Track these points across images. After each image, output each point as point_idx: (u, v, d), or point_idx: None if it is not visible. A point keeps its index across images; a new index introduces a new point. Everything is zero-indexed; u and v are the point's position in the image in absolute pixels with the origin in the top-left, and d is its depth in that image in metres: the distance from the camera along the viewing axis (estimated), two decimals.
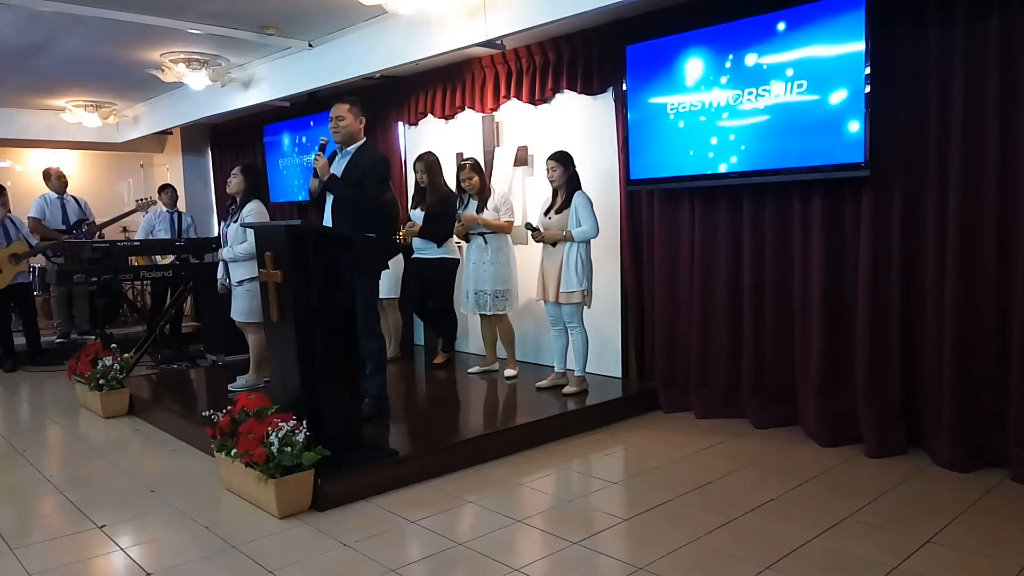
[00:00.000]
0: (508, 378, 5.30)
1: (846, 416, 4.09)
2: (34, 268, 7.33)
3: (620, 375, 5.25)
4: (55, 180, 7.67)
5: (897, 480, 3.60)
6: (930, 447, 3.84)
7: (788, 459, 3.97)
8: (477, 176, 5.27)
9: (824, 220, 4.15)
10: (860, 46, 3.76)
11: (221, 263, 5.28)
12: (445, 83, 6.13)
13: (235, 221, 5.00)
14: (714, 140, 4.39)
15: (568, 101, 5.42)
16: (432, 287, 5.77)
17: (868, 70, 3.75)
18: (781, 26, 4.06)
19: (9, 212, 6.90)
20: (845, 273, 4.11)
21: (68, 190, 7.89)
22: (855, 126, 3.81)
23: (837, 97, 3.87)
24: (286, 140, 7.86)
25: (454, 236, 5.58)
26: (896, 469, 3.75)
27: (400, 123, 6.76)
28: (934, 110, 3.73)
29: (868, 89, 3.76)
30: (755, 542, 2.97)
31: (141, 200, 7.70)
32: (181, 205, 8.88)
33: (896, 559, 2.78)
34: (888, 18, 3.78)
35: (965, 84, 3.60)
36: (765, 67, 4.14)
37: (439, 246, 5.63)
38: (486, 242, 5.25)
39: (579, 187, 4.80)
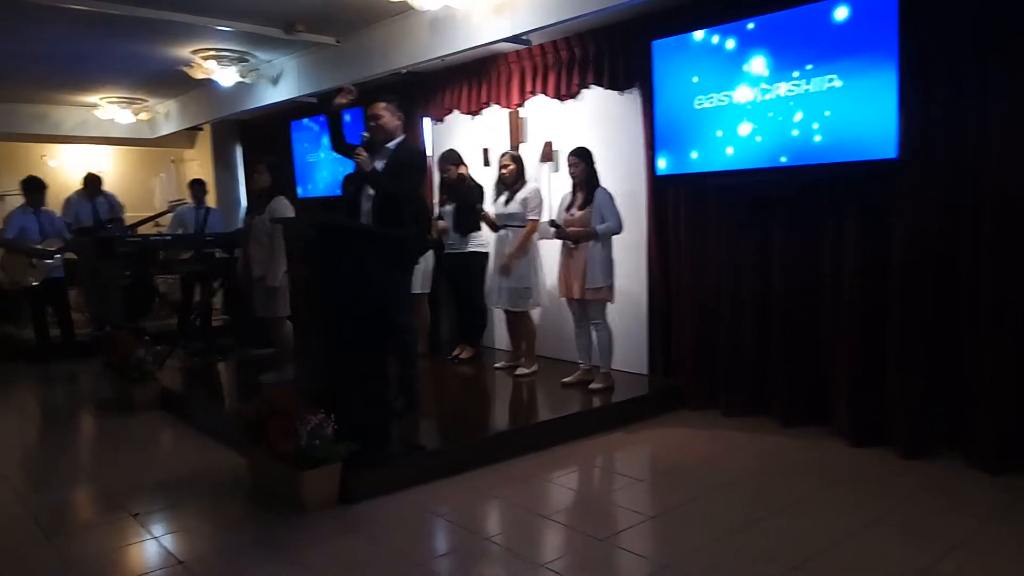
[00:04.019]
0: (519, 376, 5.30)
1: (877, 415, 4.03)
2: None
3: (647, 372, 5.23)
4: (90, 185, 7.76)
5: (929, 481, 3.55)
6: (964, 448, 3.78)
7: (817, 458, 3.93)
8: (514, 164, 5.25)
9: (856, 216, 4.09)
10: (893, 38, 3.69)
11: (241, 259, 5.33)
12: (471, 79, 6.14)
13: (260, 215, 5.08)
14: (741, 134, 4.35)
15: (594, 96, 5.40)
16: (462, 282, 5.79)
17: (900, 62, 3.68)
18: (810, 19, 4.00)
19: (45, 207, 7.02)
20: (877, 269, 4.04)
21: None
22: (887, 120, 3.75)
23: (868, 90, 3.80)
24: (313, 136, 7.93)
25: (483, 229, 5.60)
26: (928, 470, 3.69)
27: (426, 119, 6.77)
28: (970, 103, 3.65)
29: (900, 82, 3.70)
30: (782, 542, 2.95)
31: (174, 201, 7.81)
32: (211, 200, 8.98)
33: (926, 562, 2.74)
34: (922, 9, 3.71)
35: (1002, 77, 3.52)
36: (793, 61, 4.09)
37: (468, 240, 5.66)
38: (508, 236, 5.25)
39: (598, 183, 4.79)
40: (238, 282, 5.41)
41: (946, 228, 3.80)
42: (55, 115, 8.81)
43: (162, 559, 2.96)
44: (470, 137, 6.33)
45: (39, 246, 6.79)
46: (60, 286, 7.06)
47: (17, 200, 7.02)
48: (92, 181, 7.80)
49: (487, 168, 6.14)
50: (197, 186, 7.53)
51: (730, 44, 4.35)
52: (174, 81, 7.42)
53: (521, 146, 5.91)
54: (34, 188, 6.92)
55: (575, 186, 4.85)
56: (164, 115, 9.07)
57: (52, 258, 6.84)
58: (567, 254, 4.84)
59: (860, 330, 4.11)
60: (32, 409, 5.82)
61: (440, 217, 5.79)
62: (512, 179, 5.23)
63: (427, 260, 5.81)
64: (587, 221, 4.71)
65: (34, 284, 6.79)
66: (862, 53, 3.81)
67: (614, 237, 4.77)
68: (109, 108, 8.38)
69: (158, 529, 3.24)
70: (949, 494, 3.40)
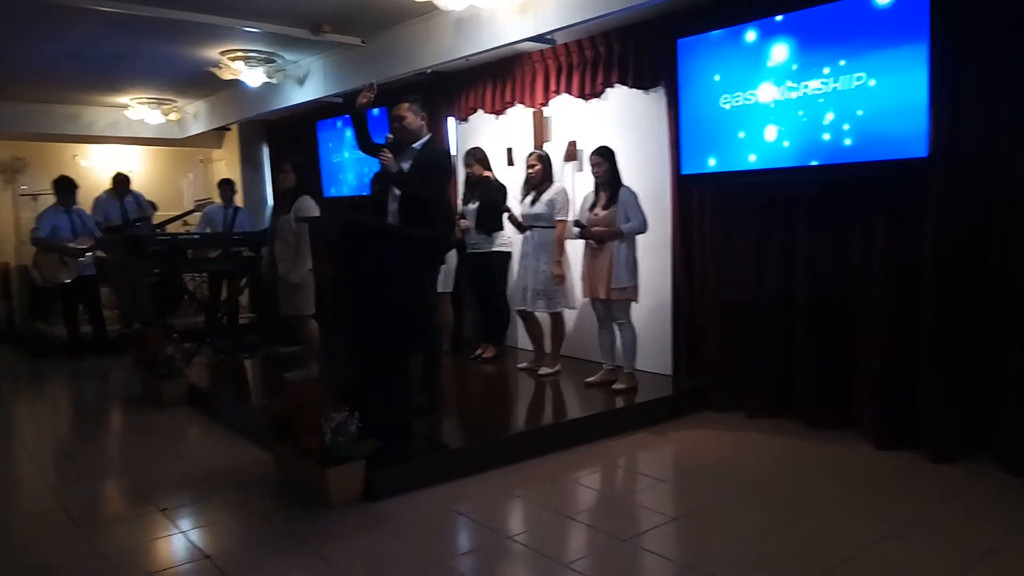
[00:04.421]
0: (542, 375, 5.29)
1: (905, 417, 3.97)
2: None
3: (670, 372, 5.20)
4: (119, 185, 7.90)
5: (959, 486, 3.49)
6: (996, 452, 3.71)
7: (843, 461, 3.88)
8: (540, 165, 5.22)
9: (883, 215, 4.03)
10: (923, 33, 3.63)
11: (267, 257, 5.39)
12: (495, 78, 6.15)
13: (285, 214, 5.13)
14: (768, 134, 4.31)
15: (618, 95, 5.38)
16: (484, 281, 5.80)
17: (931, 56, 3.62)
18: (837, 15, 3.96)
19: (76, 206, 7.15)
20: (905, 269, 3.98)
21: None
22: (917, 118, 3.69)
23: (898, 88, 3.75)
24: (338, 135, 7.99)
25: (505, 228, 5.61)
26: (957, 474, 3.63)
27: (451, 118, 6.80)
28: (1005, 100, 3.58)
29: (931, 78, 3.64)
30: (807, 546, 2.92)
31: (200, 201, 7.93)
32: (238, 199, 9.09)
33: (956, 569, 2.70)
34: (953, 3, 3.65)
35: None
36: (821, 58, 4.04)
37: (491, 239, 5.66)
38: (533, 237, 5.23)
39: (621, 182, 4.77)
40: (263, 280, 5.47)
41: (976, 227, 3.73)
42: (87, 116, 8.96)
43: (189, 553, 3.00)
44: (494, 137, 6.34)
45: (71, 244, 6.92)
46: (92, 283, 7.19)
47: (52, 198, 7.16)
48: (120, 181, 7.93)
49: (511, 168, 6.15)
50: (226, 186, 7.63)
51: (758, 42, 4.31)
52: (203, 82, 7.52)
53: (545, 145, 5.91)
54: (65, 188, 7.05)
55: (598, 186, 4.83)
56: (193, 115, 9.19)
57: (83, 256, 6.97)
58: (591, 254, 4.82)
59: (887, 331, 4.05)
60: (64, 404, 5.93)
61: (463, 216, 5.80)
62: (538, 179, 5.22)
63: (450, 259, 5.83)
64: (611, 221, 4.69)
65: (67, 281, 6.92)
66: (893, 46, 3.75)
67: (638, 237, 4.75)
68: (139, 108, 8.52)
69: (185, 524, 3.29)
70: (979, 498, 3.35)
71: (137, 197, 8.06)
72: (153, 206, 8.53)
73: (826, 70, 4.02)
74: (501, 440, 4.10)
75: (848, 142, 3.97)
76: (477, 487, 3.62)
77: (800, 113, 4.16)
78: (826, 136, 4.06)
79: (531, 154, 5.34)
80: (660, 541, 3.04)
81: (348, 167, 7.94)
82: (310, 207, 5.15)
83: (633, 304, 4.80)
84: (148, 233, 7.00)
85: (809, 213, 4.40)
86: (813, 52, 4.08)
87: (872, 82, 3.85)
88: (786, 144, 4.24)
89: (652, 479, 3.80)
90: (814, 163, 4.14)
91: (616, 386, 4.81)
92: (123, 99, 8.45)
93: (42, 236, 6.86)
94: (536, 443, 4.08)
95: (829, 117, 4.04)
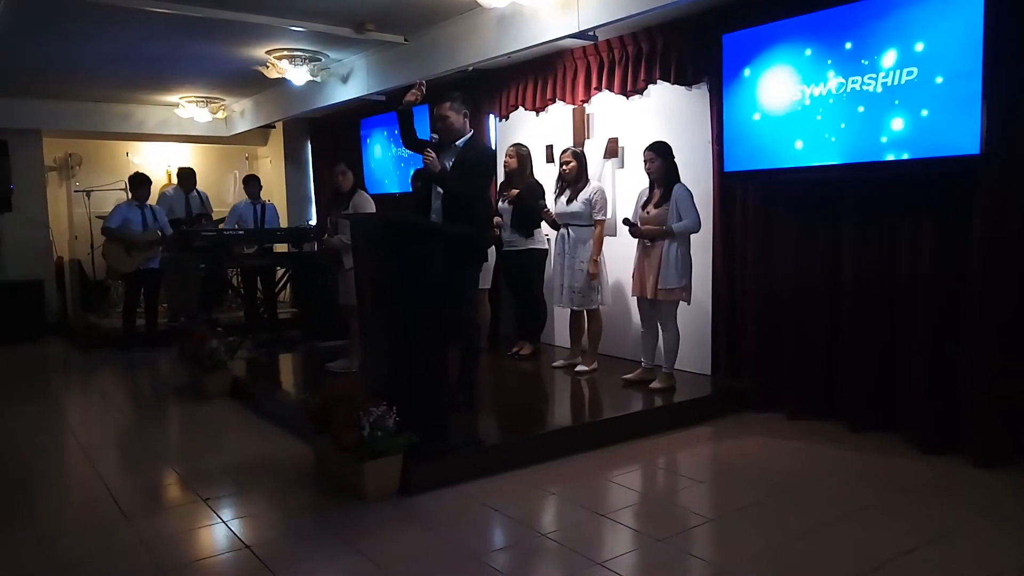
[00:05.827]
0: (579, 373, 5.26)
1: (949, 422, 3.87)
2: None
3: (709, 372, 5.14)
4: (185, 179, 8.17)
5: (1002, 493, 3.39)
6: None
7: (885, 465, 3.79)
8: (575, 162, 5.20)
9: (931, 214, 3.93)
10: (978, 25, 3.51)
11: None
12: (536, 75, 6.15)
13: (345, 210, 5.26)
14: (814, 131, 4.23)
15: (661, 92, 5.33)
16: (522, 279, 5.81)
17: (985, 47, 3.50)
18: (886, 10, 3.86)
19: (147, 201, 7.37)
20: (955, 270, 3.87)
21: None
22: (970, 114, 3.57)
23: (950, 83, 3.64)
24: (381, 133, 8.07)
25: (542, 226, 5.60)
26: (1002, 481, 3.52)
27: (492, 116, 6.81)
28: None
29: (985, 73, 3.52)
30: (846, 550, 2.86)
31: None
32: (281, 195, 9.23)
33: None
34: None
35: None
36: (868, 54, 3.94)
37: (527, 237, 5.67)
38: (569, 235, 5.21)
39: (678, 179, 4.70)
40: (327, 273, 5.65)
41: None
42: (139, 114, 9.20)
43: (230, 543, 3.07)
44: (535, 134, 6.33)
45: (139, 237, 7.13)
46: (155, 277, 7.38)
47: (104, 194, 7.39)
48: (187, 176, 8.20)
49: (550, 165, 6.14)
50: (253, 182, 7.76)
51: (806, 37, 4.23)
52: (249, 80, 7.66)
53: (586, 142, 5.88)
54: (139, 184, 7.33)
55: (652, 182, 4.77)
56: (239, 113, 9.37)
57: (151, 248, 7.17)
58: (643, 252, 4.75)
59: (933, 333, 3.95)
60: (112, 395, 6.10)
61: (498, 214, 5.80)
62: (573, 177, 5.20)
63: (489, 255, 5.84)
64: (662, 219, 4.61)
65: (129, 272, 7.15)
66: (946, 41, 3.64)
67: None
68: (189, 107, 8.71)
69: (227, 514, 3.36)
70: (1022, 506, 3.25)
71: (201, 194, 8.29)
72: None
73: (881, 63, 3.89)
74: (536, 437, 4.10)
75: (896, 137, 3.86)
76: (512, 483, 3.63)
77: (847, 109, 4.06)
78: (874, 132, 3.96)
79: (565, 151, 5.32)
80: (696, 542, 3.01)
81: (384, 165, 8.02)
82: (366, 202, 5.32)
83: (683, 304, 4.74)
84: (203, 229, 7.18)
85: (854, 212, 4.30)
86: (865, 47, 3.97)
87: (924, 76, 3.73)
88: (832, 138, 4.15)
89: (689, 479, 3.77)
90: (860, 160, 4.04)
91: (654, 385, 4.77)
92: (173, 98, 8.66)
93: (111, 227, 7.11)
94: (572, 441, 4.07)
95: (877, 113, 3.93)
